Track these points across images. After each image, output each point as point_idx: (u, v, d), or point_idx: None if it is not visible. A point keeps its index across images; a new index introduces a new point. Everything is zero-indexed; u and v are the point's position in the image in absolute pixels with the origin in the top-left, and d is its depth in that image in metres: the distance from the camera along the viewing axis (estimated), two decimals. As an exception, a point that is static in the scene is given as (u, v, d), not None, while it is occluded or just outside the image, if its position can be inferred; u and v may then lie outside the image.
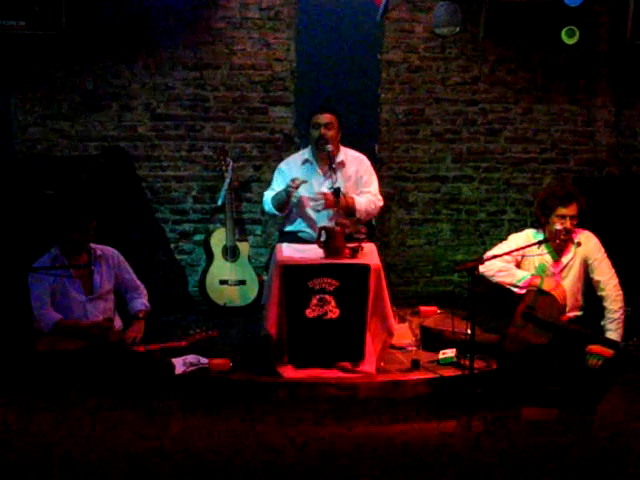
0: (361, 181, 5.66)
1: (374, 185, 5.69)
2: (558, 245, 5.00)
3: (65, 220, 4.79)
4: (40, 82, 6.30)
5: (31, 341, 4.61)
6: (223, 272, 6.11)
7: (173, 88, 6.45)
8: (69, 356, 4.50)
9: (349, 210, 5.47)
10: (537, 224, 5.12)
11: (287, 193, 5.47)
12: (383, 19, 6.46)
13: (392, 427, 4.53)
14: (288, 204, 5.58)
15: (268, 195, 5.69)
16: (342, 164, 5.63)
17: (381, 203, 5.70)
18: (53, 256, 4.82)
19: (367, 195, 5.62)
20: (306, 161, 5.66)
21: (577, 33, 6.12)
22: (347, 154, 5.69)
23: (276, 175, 5.76)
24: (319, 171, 5.62)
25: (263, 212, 6.60)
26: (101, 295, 4.87)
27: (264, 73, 6.50)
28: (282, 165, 5.78)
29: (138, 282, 5.10)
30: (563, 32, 6.14)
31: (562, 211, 4.92)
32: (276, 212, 5.67)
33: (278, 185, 5.66)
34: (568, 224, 4.92)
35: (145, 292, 5.10)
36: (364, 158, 5.75)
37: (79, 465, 3.70)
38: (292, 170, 5.66)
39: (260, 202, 6.51)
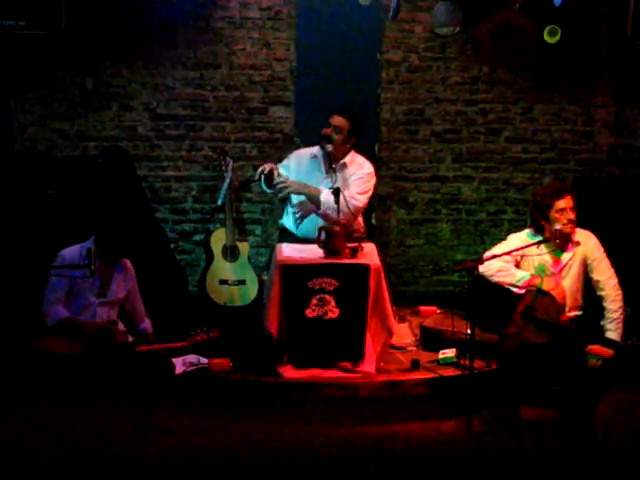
0: (350, 180, 5.58)
1: (358, 188, 5.50)
2: (558, 245, 5.01)
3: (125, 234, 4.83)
4: (40, 82, 6.29)
5: (33, 340, 4.61)
6: (223, 272, 6.10)
7: (173, 88, 6.45)
8: (72, 356, 4.50)
9: (314, 199, 5.39)
10: (535, 227, 5.09)
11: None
12: (385, 18, 6.45)
13: (392, 427, 4.54)
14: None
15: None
16: (344, 166, 5.61)
17: (356, 203, 5.42)
18: (87, 250, 4.71)
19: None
20: (314, 157, 5.64)
21: (559, 32, 6.11)
22: (354, 159, 5.62)
23: (285, 161, 5.71)
24: (322, 169, 5.59)
25: (263, 212, 6.62)
26: (112, 301, 4.88)
27: (264, 73, 6.50)
28: (292, 154, 5.74)
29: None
30: (545, 31, 6.13)
31: (560, 204, 4.92)
32: (266, 188, 5.60)
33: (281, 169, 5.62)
34: (571, 215, 4.91)
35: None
36: (366, 165, 5.62)
37: (78, 465, 3.71)
38: (299, 162, 5.63)
39: (260, 202, 6.55)
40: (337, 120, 5.50)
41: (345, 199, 5.26)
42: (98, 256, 4.70)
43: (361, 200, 5.51)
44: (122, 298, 4.94)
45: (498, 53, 5.78)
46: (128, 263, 5.00)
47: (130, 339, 4.91)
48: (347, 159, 5.59)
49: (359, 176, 5.57)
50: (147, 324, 5.11)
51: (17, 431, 3.99)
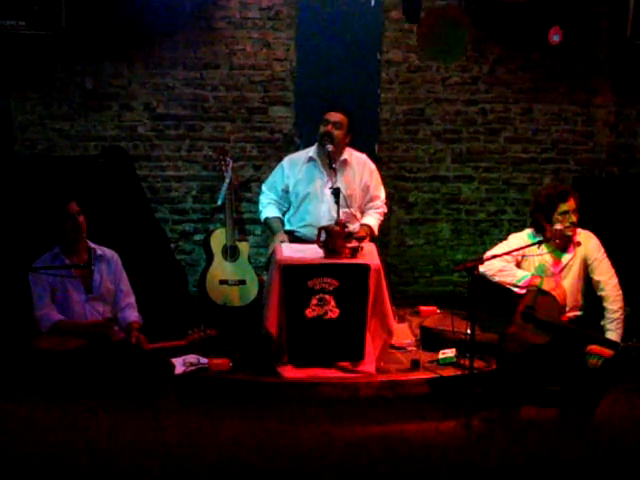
0: (369, 190, 5.69)
1: (382, 192, 5.77)
2: (558, 245, 5.00)
3: (49, 211, 4.80)
4: (40, 82, 6.30)
5: (30, 340, 4.61)
6: (223, 272, 6.10)
7: (173, 88, 6.45)
8: (70, 355, 4.50)
9: (372, 235, 5.63)
10: (536, 228, 5.09)
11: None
12: (378, 5, 6.44)
13: (392, 427, 4.53)
14: None
15: (264, 202, 5.70)
16: (345, 163, 5.61)
17: (385, 209, 5.81)
18: (53, 255, 4.82)
19: (376, 213, 5.70)
20: (310, 159, 5.63)
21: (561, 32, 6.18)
22: (352, 154, 5.67)
23: (277, 170, 5.75)
24: (323, 171, 5.58)
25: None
26: (101, 295, 4.83)
27: (264, 73, 6.50)
28: (285, 161, 5.75)
29: (131, 291, 4.99)
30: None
31: (563, 207, 4.91)
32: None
33: (275, 182, 5.67)
34: (573, 218, 4.91)
35: (135, 304, 4.99)
36: (367, 160, 5.75)
37: (77, 465, 3.70)
38: (294, 169, 5.62)
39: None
40: (336, 116, 5.52)
41: (368, 228, 5.60)
42: (66, 256, 4.77)
43: (384, 198, 5.80)
44: (112, 290, 4.87)
45: (432, 48, 5.82)
46: (108, 252, 4.90)
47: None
48: (346, 155, 5.62)
49: (372, 179, 5.71)
50: (127, 314, 4.89)
51: (16, 431, 3.98)
